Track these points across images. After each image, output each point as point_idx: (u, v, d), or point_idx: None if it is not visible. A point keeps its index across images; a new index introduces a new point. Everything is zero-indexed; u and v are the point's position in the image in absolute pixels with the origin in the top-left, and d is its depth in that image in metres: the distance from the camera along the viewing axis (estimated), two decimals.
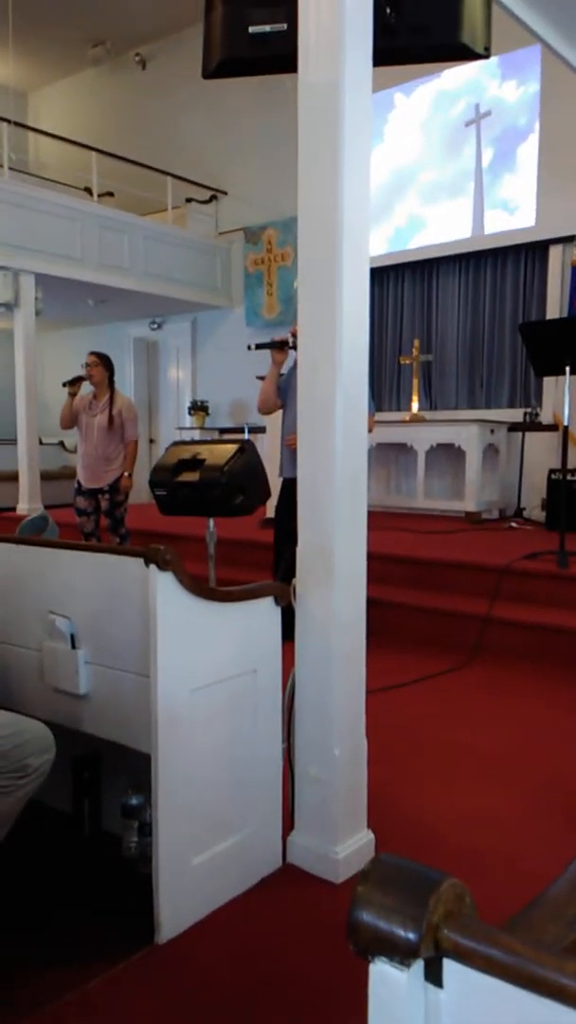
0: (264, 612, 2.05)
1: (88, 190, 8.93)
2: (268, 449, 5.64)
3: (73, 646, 2.01)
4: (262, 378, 4.38)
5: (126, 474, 5.34)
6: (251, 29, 2.53)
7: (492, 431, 6.98)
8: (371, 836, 2.18)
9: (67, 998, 1.60)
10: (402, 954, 0.58)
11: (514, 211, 7.30)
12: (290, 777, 2.18)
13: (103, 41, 9.94)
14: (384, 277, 8.08)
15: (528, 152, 7.16)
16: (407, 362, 7.73)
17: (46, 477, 8.36)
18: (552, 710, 3.41)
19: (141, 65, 10.15)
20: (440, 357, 7.90)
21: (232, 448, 2.86)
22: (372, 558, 2.21)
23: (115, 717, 1.96)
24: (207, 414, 9.55)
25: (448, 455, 7.05)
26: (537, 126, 7.05)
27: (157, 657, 1.75)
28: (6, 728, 1.77)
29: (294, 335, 3.63)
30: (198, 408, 9.54)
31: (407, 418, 7.41)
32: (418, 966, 0.59)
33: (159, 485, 2.93)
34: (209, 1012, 1.60)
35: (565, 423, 4.71)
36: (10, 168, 7.89)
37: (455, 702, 3.53)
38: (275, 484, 3.68)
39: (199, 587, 1.85)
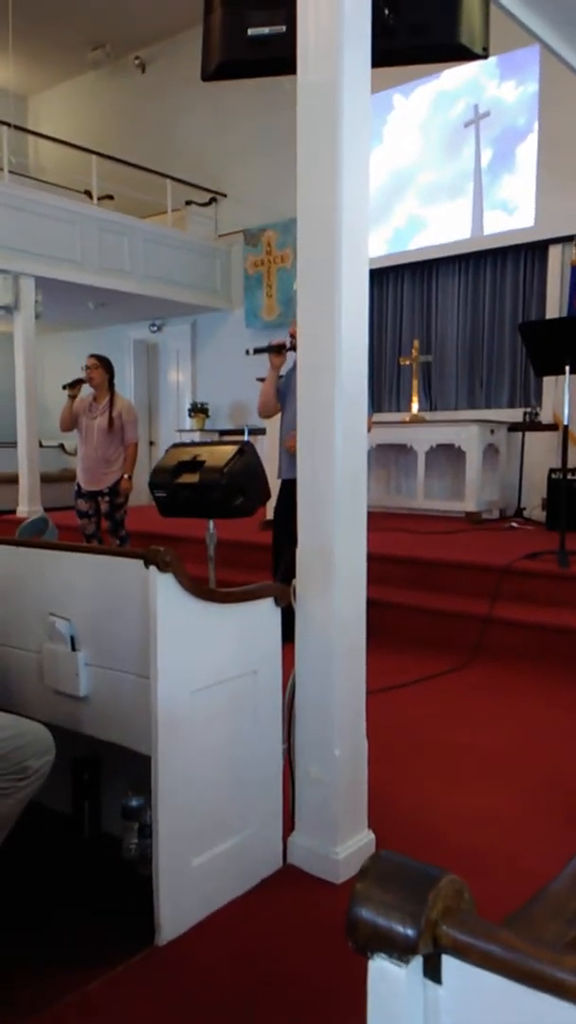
0: (264, 613, 2.05)
1: (88, 193, 8.94)
2: (267, 451, 5.64)
3: (73, 648, 2.01)
4: (262, 379, 4.37)
5: (126, 476, 5.34)
6: (250, 31, 2.53)
7: (492, 431, 6.97)
8: (372, 836, 2.18)
9: (67, 999, 1.60)
10: (401, 950, 0.58)
11: (513, 211, 7.30)
12: (290, 778, 2.18)
13: (103, 44, 9.96)
14: (384, 278, 8.08)
15: (527, 152, 7.16)
16: (407, 363, 7.73)
17: (46, 479, 8.37)
18: (552, 709, 3.41)
19: (141, 68, 10.17)
20: (440, 357, 7.90)
21: (232, 450, 2.86)
22: (372, 559, 2.21)
23: (115, 719, 1.96)
24: (207, 416, 9.56)
25: (448, 455, 7.04)
26: (536, 126, 7.06)
27: (157, 658, 1.75)
28: (6, 730, 1.77)
29: (293, 336, 3.63)
30: (198, 410, 9.55)
31: (407, 419, 7.41)
32: (417, 962, 0.59)
33: (159, 487, 2.93)
34: (209, 1013, 1.60)
35: (565, 423, 4.71)
36: (10, 171, 7.90)
37: (455, 702, 3.53)
38: (274, 485, 3.68)
39: (199, 588, 1.85)
